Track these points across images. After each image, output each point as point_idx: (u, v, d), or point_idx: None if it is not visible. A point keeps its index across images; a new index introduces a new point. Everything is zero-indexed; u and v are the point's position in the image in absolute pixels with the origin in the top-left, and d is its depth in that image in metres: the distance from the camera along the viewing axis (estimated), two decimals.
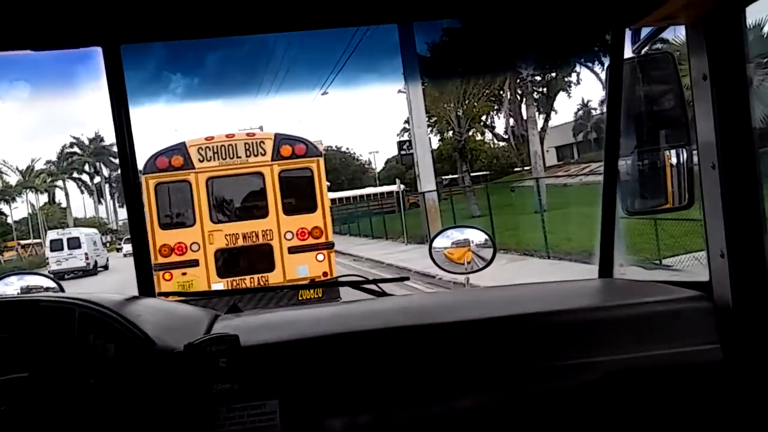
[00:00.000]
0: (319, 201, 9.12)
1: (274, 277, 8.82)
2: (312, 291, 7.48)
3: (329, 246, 9.17)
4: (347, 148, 66.29)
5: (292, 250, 8.95)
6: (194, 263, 8.61)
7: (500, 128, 41.36)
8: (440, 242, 2.12)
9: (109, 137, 58.61)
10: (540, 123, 32.72)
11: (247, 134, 9.22)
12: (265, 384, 1.40)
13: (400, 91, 25.46)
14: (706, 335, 1.50)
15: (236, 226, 8.87)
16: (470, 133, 33.77)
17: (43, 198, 59.18)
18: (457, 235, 2.14)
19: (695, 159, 1.58)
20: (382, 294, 1.99)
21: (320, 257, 8.95)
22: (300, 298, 7.43)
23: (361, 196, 45.02)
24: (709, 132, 1.49)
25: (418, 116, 21.01)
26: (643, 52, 1.73)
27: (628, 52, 1.73)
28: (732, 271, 1.48)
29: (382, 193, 43.56)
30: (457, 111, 29.20)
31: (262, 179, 9.02)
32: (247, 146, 8.95)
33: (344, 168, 62.28)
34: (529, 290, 1.94)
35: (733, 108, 1.47)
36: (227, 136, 9.07)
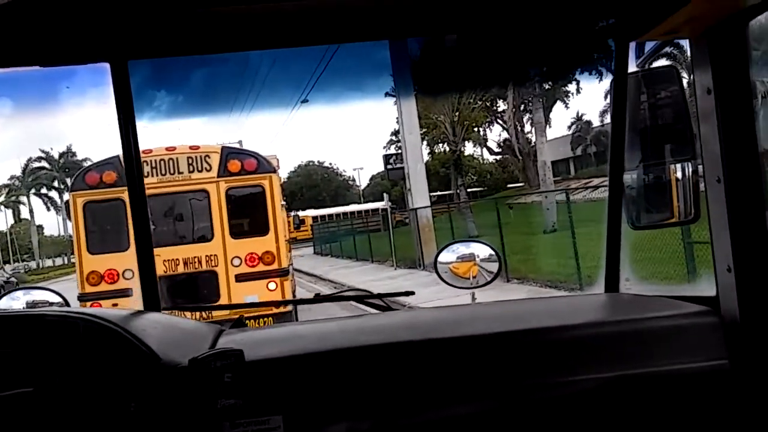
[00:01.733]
0: (271, 222, 8.68)
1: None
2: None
3: (283, 273, 8.73)
4: (330, 163, 66.48)
5: (240, 278, 8.54)
6: (127, 293, 8.02)
7: (492, 141, 41.79)
8: (445, 257, 2.24)
9: (82, 152, 58.32)
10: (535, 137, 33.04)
11: (191, 147, 8.78)
12: (270, 399, 1.48)
13: (387, 94, 25.29)
14: (713, 350, 1.61)
15: (176, 251, 8.43)
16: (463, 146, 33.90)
17: (5, 215, 59.31)
18: (462, 249, 2.27)
19: (701, 173, 1.70)
20: (387, 308, 2.09)
21: (272, 286, 8.53)
22: None
23: (345, 214, 45.14)
24: (714, 146, 1.61)
25: (410, 122, 20.12)
26: (647, 65, 1.86)
27: (632, 66, 1.86)
28: (739, 285, 1.59)
29: (366, 211, 43.71)
30: (453, 117, 28.98)
31: (206, 197, 8.63)
32: (191, 160, 8.55)
33: (326, 184, 62.41)
34: (535, 305, 2.04)
35: (738, 122, 1.59)
36: (167, 148, 8.64)
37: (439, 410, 1.55)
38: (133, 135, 1.83)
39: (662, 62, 2.04)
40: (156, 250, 2.00)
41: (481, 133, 38.78)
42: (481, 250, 2.26)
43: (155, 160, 8.41)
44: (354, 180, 67.75)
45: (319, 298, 2.40)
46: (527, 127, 33.80)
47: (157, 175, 8.41)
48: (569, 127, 44.55)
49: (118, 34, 1.55)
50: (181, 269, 8.42)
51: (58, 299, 2.24)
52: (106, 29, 1.51)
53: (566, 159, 43.57)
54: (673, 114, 1.78)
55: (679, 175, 1.76)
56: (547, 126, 35.99)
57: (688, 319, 1.66)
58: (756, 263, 1.58)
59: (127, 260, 8.02)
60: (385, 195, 26.48)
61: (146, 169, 8.27)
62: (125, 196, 8.12)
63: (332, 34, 1.70)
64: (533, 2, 1.64)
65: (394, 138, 43.64)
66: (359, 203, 54.26)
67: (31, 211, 59.91)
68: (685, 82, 1.81)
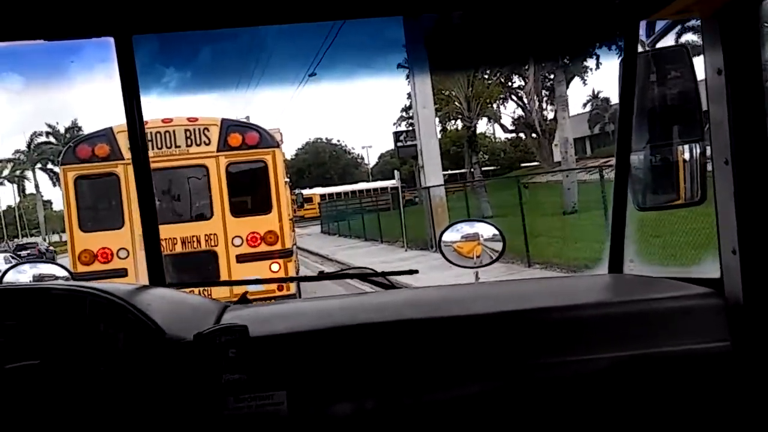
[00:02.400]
0: (274, 200, 8.43)
1: (219, 291, 7.79)
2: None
3: (286, 254, 8.48)
4: (338, 141, 66.45)
5: (241, 259, 8.29)
6: (122, 273, 7.87)
7: (507, 118, 41.47)
8: (450, 236, 2.30)
9: (88, 127, 58.96)
10: (551, 114, 32.72)
11: (189, 119, 8.40)
12: (274, 374, 1.55)
13: (400, 66, 24.89)
14: (716, 332, 1.65)
15: (174, 230, 8.04)
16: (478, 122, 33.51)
17: (6, 190, 60.85)
18: (467, 228, 2.33)
19: (709, 154, 1.73)
20: (390, 287, 2.16)
21: (275, 267, 8.31)
22: None
23: (353, 192, 45.26)
24: (723, 127, 1.64)
25: (424, 95, 19.36)
26: (657, 45, 1.89)
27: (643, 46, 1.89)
28: (743, 267, 1.63)
29: (375, 189, 43.81)
30: (468, 92, 28.37)
31: (205, 173, 8.33)
32: (188, 133, 8.24)
33: (334, 162, 62.47)
34: (539, 285, 2.10)
35: (747, 103, 1.62)
36: (164, 120, 8.30)
37: (441, 388, 1.61)
38: (137, 109, 1.88)
39: (687, 36, 2.05)
40: None
41: (495, 108, 38.46)
42: (486, 230, 2.32)
43: (151, 133, 8.00)
44: (362, 158, 67.94)
45: (322, 276, 2.47)
46: (544, 104, 33.43)
47: (153, 149, 7.96)
48: (585, 105, 44.26)
49: (122, 8, 1.59)
50: (179, 249, 8.14)
51: (64, 273, 2.33)
52: (110, 3, 1.55)
53: (582, 138, 43.23)
54: (682, 94, 1.81)
55: (686, 156, 1.79)
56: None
57: (691, 300, 1.70)
58: (761, 246, 1.62)
59: (121, 239, 7.91)
60: (396, 173, 26.22)
61: None
62: (119, 170, 7.93)
63: (341, 9, 1.73)
64: None
65: (404, 115, 43.50)
66: (368, 182, 54.41)
67: (36, 186, 61.09)
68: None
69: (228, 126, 8.38)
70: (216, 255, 8.30)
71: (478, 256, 2.27)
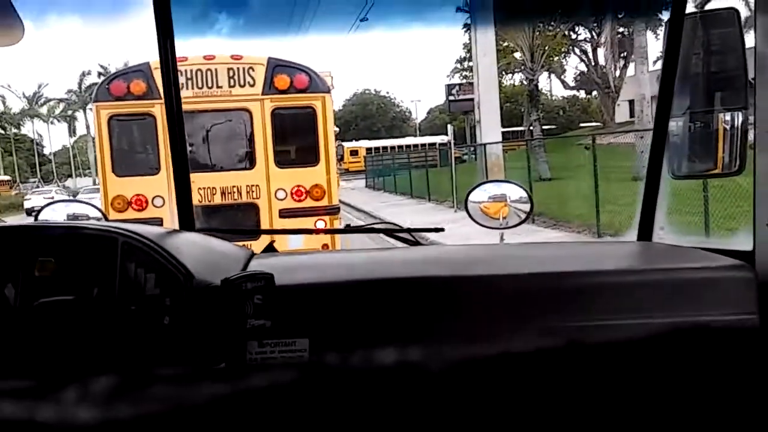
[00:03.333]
0: (322, 151, 7.91)
1: (259, 247, 7.26)
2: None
3: (333, 211, 7.99)
4: (386, 92, 66.07)
5: (285, 214, 7.84)
6: (156, 222, 7.30)
7: (569, 74, 40.29)
8: (477, 196, 2.36)
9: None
10: (618, 72, 31.58)
11: (233, 56, 7.79)
12: (297, 323, 1.66)
13: (459, 10, 24.18)
14: (744, 305, 1.69)
15: (213, 178, 7.69)
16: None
17: (58, 129, 63.75)
18: (494, 189, 2.38)
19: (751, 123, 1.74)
20: (416, 243, 2.25)
21: (320, 225, 7.82)
22: None
23: (400, 147, 45.17)
24: None
25: (485, 42, 18.35)
26: (707, 7, 1.88)
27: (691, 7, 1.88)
28: None
29: (423, 145, 43.66)
30: (532, 42, 27.28)
31: (248, 118, 7.83)
32: (232, 72, 7.68)
33: (382, 114, 62.31)
34: (565, 249, 2.15)
35: None
36: (206, 57, 7.72)
37: (461, 347, 1.70)
38: (170, 45, 1.91)
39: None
40: (190, 176, 2.05)
41: (557, 61, 37.34)
42: (513, 191, 2.36)
43: (191, 70, 7.52)
44: (410, 112, 67.58)
45: (349, 229, 2.60)
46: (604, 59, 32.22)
47: (192, 88, 7.55)
48: (655, 62, 42.51)
49: None
50: (218, 199, 7.74)
51: (97, 213, 2.47)
52: None
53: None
54: (729, 60, 1.81)
55: (727, 125, 1.80)
56: (628, 61, 33.95)
57: (720, 272, 1.74)
58: None
59: (157, 185, 7.60)
60: (448, 127, 25.77)
61: (180, 79, 7.01)
62: (156, 111, 7.53)
63: None
64: None
65: (458, 66, 42.80)
66: (415, 136, 54.27)
67: (87, 127, 63.11)
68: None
69: (275, 66, 7.79)
70: (257, 208, 7.91)
71: (504, 217, 2.32)
